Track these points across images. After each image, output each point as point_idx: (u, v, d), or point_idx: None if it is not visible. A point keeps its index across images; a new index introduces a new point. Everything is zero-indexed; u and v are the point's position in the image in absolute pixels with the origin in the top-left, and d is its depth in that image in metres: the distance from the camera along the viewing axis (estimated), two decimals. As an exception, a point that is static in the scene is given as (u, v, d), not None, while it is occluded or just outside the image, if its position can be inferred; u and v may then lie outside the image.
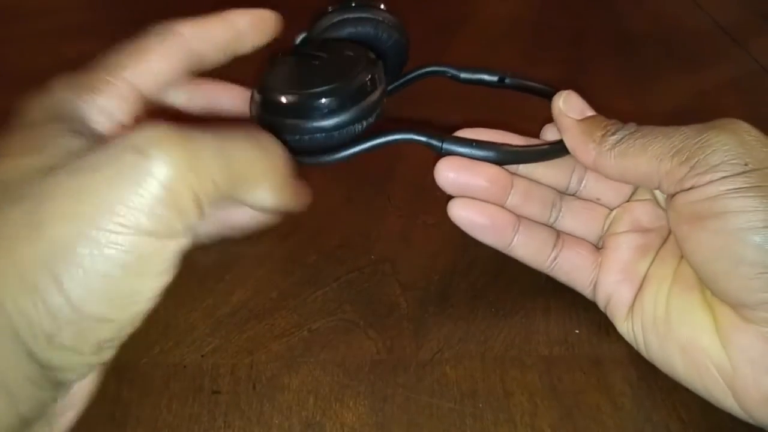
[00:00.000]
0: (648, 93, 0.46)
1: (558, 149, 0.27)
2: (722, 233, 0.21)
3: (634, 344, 0.26)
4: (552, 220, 0.29)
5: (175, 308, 0.28)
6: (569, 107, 0.26)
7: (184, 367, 0.25)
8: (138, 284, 0.18)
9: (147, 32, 0.23)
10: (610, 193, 0.28)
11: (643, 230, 0.27)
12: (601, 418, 0.24)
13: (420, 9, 0.58)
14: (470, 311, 0.28)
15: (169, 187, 0.17)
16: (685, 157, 0.22)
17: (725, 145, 0.22)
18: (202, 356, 0.26)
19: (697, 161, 0.22)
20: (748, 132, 0.22)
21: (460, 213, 0.26)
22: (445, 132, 0.26)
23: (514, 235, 0.27)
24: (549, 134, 0.28)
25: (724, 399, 0.23)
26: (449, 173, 0.26)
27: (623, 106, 0.42)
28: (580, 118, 0.26)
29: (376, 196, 0.35)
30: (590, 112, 0.26)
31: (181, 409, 0.24)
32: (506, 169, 0.27)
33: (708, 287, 0.23)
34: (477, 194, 0.26)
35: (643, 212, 0.27)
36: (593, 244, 0.29)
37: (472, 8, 0.59)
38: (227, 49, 0.24)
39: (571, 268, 0.28)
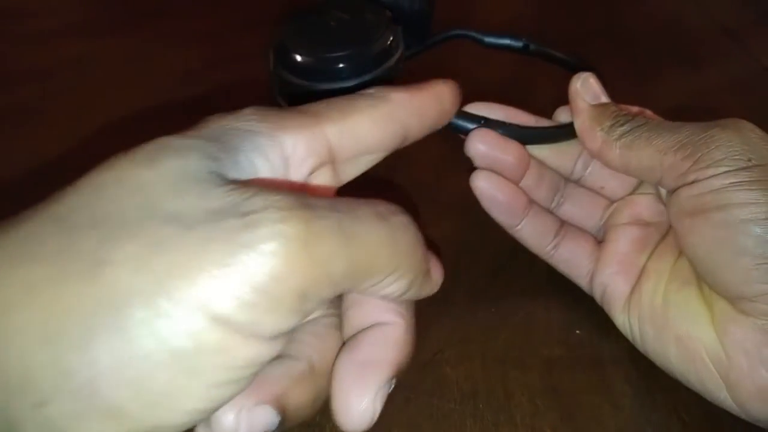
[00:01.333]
0: (648, 92, 0.46)
1: (567, 132, 0.27)
2: (724, 225, 0.22)
3: (629, 336, 0.26)
4: (554, 205, 0.29)
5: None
6: (585, 90, 0.26)
7: (184, 367, 0.25)
8: (181, 383, 0.13)
9: (357, 94, 0.20)
10: (615, 182, 0.29)
11: (644, 224, 0.27)
12: (602, 418, 0.24)
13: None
14: (470, 311, 0.28)
15: (276, 275, 0.13)
16: (689, 151, 0.22)
17: (729, 142, 0.22)
18: (202, 357, 0.26)
19: (700, 156, 0.22)
20: (752, 131, 0.23)
21: (483, 185, 0.27)
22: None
23: (523, 218, 0.27)
24: (562, 116, 0.29)
25: (718, 392, 0.23)
26: (480, 145, 0.26)
27: (623, 106, 0.42)
28: (593, 103, 0.26)
29: (376, 196, 0.35)
30: (605, 99, 0.26)
31: (181, 409, 0.24)
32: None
33: (706, 281, 0.23)
34: (501, 170, 0.27)
35: (645, 206, 0.28)
36: (594, 237, 0.29)
37: (472, 8, 0.59)
38: (433, 126, 0.22)
39: (570, 256, 0.28)
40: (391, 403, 0.24)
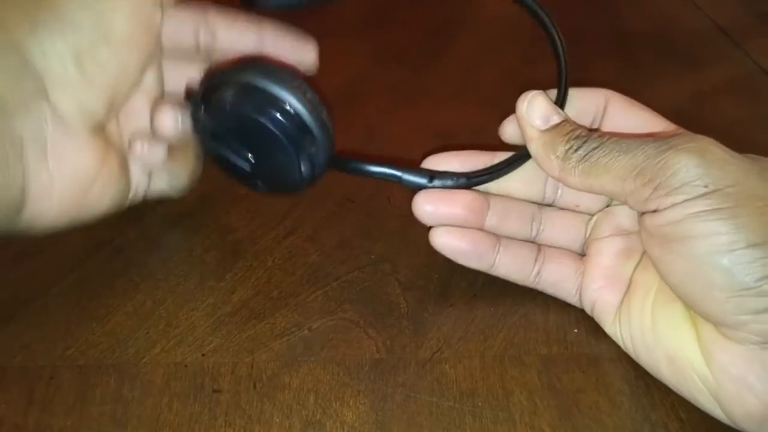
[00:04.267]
0: (647, 93, 0.45)
1: (525, 155, 0.27)
2: (690, 258, 0.21)
3: (622, 347, 0.26)
4: (534, 234, 0.29)
5: (176, 307, 0.28)
6: (533, 113, 0.25)
7: (185, 366, 0.25)
8: None
9: None
10: (588, 198, 0.28)
11: (626, 233, 0.27)
12: (600, 416, 0.24)
13: (420, 9, 0.58)
14: (470, 311, 0.28)
15: None
16: (647, 178, 0.22)
17: (685, 166, 0.21)
18: (203, 355, 0.26)
19: (659, 183, 0.21)
20: (706, 150, 0.21)
21: (442, 241, 0.27)
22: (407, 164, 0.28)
23: (496, 256, 0.28)
24: (508, 127, 0.28)
25: (713, 409, 0.23)
26: (426, 206, 0.27)
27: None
28: (544, 126, 0.25)
29: (376, 196, 0.35)
30: (556, 118, 0.25)
31: (182, 408, 0.24)
32: (481, 191, 0.28)
33: (687, 306, 0.23)
34: (456, 222, 0.27)
35: (624, 215, 0.27)
36: (577, 252, 0.29)
37: (472, 8, 0.59)
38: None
39: (556, 279, 0.28)
40: (390, 401, 0.25)
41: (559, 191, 0.29)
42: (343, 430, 0.23)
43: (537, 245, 0.28)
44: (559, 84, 0.28)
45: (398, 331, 0.27)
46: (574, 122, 0.25)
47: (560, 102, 0.27)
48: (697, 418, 0.24)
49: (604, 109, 0.27)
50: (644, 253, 0.26)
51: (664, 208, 0.22)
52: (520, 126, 0.26)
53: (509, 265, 0.28)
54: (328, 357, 0.26)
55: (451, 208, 0.27)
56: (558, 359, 0.26)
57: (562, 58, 0.28)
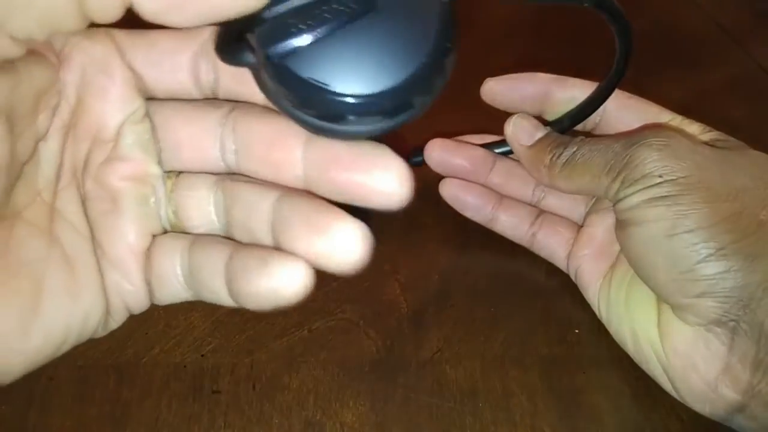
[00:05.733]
0: (647, 93, 0.45)
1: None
2: (640, 242, 0.23)
3: (598, 315, 0.27)
4: (536, 199, 0.31)
5: (175, 308, 0.28)
6: (518, 134, 0.28)
7: (184, 366, 0.25)
8: None
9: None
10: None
11: None
12: (601, 417, 0.24)
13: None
14: (470, 311, 0.28)
15: None
16: (615, 173, 0.23)
17: (645, 159, 0.23)
18: (202, 356, 0.26)
19: (624, 176, 0.23)
20: (667, 144, 0.23)
21: (448, 191, 0.31)
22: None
23: (494, 212, 0.30)
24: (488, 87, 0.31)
25: (666, 384, 0.24)
26: (434, 152, 0.30)
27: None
28: (530, 142, 0.27)
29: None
30: (540, 133, 0.27)
31: (182, 408, 0.24)
32: (490, 151, 0.31)
33: None
34: (459, 173, 0.31)
35: None
36: (578, 225, 0.30)
37: (472, 8, 0.59)
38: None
39: (548, 243, 0.30)
40: (390, 402, 0.24)
41: None
42: (343, 430, 0.23)
43: (538, 209, 0.30)
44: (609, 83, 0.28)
45: (398, 331, 0.27)
46: (557, 134, 0.27)
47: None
48: (697, 419, 0.24)
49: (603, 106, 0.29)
50: None
51: (625, 197, 0.23)
52: (511, 147, 0.29)
53: (506, 221, 0.30)
54: (328, 357, 0.26)
55: (456, 158, 0.30)
56: (558, 360, 0.26)
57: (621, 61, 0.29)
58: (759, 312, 0.21)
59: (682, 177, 0.22)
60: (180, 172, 0.19)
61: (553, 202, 0.31)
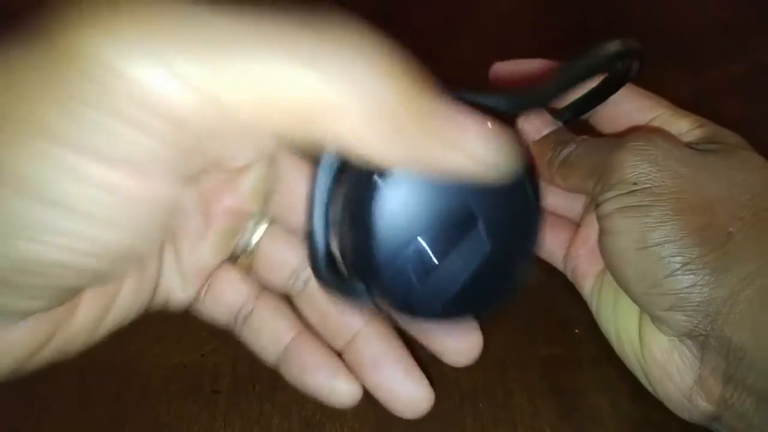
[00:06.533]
0: (649, 91, 0.46)
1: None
2: (613, 252, 0.23)
3: (592, 312, 0.27)
4: None
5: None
6: (527, 129, 0.28)
7: (184, 366, 0.25)
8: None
9: None
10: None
11: None
12: (601, 418, 0.24)
13: (420, 9, 0.58)
14: (470, 311, 0.28)
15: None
16: (597, 177, 0.23)
17: (624, 163, 0.22)
18: (202, 356, 0.26)
19: (603, 181, 0.23)
20: (647, 149, 0.22)
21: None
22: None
23: None
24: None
25: (647, 386, 0.24)
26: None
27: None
28: (537, 137, 0.27)
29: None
30: (547, 129, 0.27)
31: (181, 408, 0.24)
32: None
33: None
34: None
35: None
36: (577, 224, 0.30)
37: (472, 8, 0.59)
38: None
39: (546, 245, 0.29)
40: (390, 402, 0.24)
41: None
42: (343, 430, 0.23)
43: None
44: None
45: (398, 331, 0.27)
46: (564, 131, 0.27)
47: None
48: (698, 419, 0.24)
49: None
50: None
51: (601, 203, 0.23)
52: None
53: None
54: (328, 358, 0.26)
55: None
56: (558, 360, 0.26)
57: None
58: (726, 328, 0.21)
59: (656, 186, 0.22)
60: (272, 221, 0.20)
61: (553, 201, 0.30)
